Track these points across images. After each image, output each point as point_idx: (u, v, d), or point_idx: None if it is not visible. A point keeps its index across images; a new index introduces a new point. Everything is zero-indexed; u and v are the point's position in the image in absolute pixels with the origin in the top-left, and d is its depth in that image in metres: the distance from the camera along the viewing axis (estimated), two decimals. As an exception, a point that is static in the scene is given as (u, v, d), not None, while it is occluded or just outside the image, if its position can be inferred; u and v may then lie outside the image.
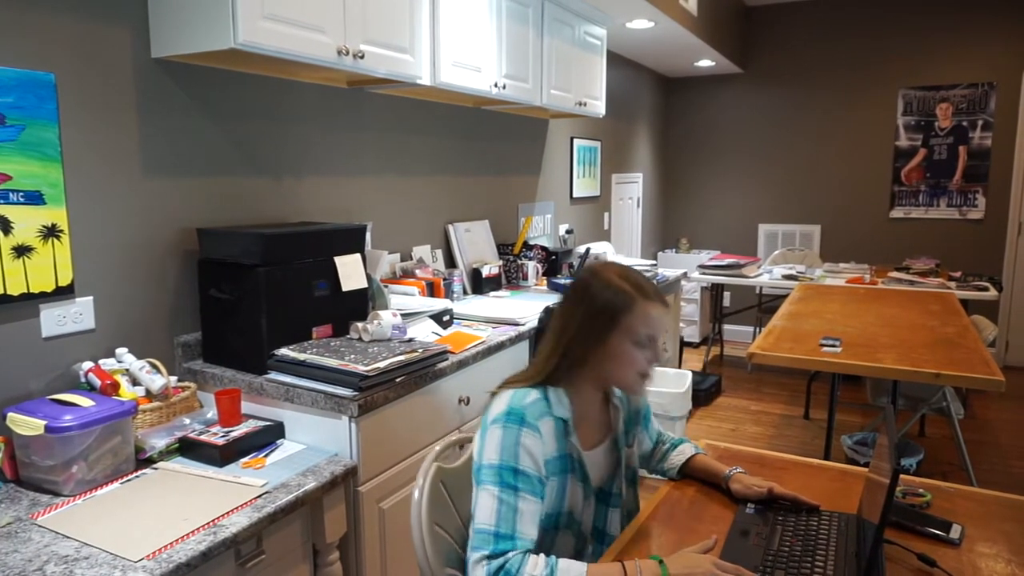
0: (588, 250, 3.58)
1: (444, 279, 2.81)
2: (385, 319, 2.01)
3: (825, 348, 2.47)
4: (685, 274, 4.67)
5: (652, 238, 6.12)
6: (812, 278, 4.43)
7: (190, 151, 2.00)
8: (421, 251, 2.99)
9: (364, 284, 2.10)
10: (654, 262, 4.31)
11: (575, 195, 4.52)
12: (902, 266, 4.54)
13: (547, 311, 2.42)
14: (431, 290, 2.71)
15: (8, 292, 1.58)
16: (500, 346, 2.30)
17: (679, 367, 4.30)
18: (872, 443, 3.33)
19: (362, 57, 2.08)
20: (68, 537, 1.28)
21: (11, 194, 1.57)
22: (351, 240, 2.11)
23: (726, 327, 5.65)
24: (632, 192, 5.55)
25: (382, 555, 1.82)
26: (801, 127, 5.73)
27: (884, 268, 4.69)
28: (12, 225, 1.58)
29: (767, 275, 4.69)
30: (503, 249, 3.49)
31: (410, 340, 2.04)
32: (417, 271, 2.81)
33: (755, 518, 1.33)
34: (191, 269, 1.99)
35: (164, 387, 1.73)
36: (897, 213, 5.45)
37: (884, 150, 5.45)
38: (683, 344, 5.32)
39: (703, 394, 4.48)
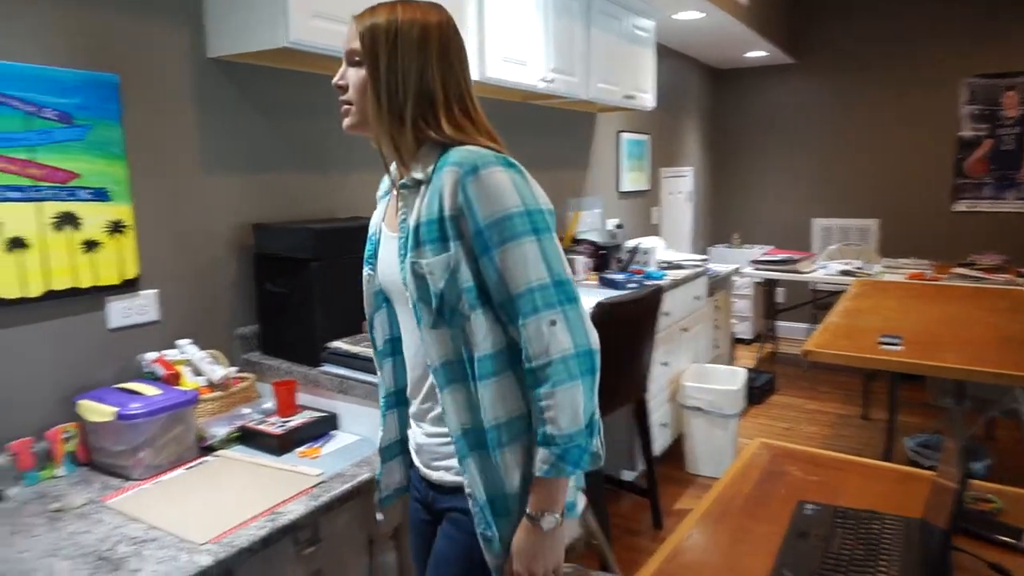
0: (638, 245, 3.55)
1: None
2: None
3: (885, 346, 2.39)
4: (737, 270, 4.59)
5: (703, 233, 6.03)
6: (870, 274, 4.30)
7: (245, 148, 2.05)
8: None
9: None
10: (705, 257, 4.24)
11: (624, 189, 4.48)
12: (966, 261, 4.37)
13: (598, 306, 2.41)
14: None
15: (78, 285, 1.64)
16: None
17: (732, 364, 4.23)
18: (936, 445, 3.21)
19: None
20: (136, 519, 1.33)
21: (80, 191, 1.63)
22: (402, 235, 2.12)
23: (779, 324, 5.53)
24: (682, 186, 5.47)
25: (433, 546, 1.84)
26: (857, 118, 5.56)
27: (946, 264, 4.51)
28: (81, 221, 1.64)
29: (822, 271, 4.57)
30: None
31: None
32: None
33: (814, 519, 1.29)
34: (248, 263, 2.04)
35: (224, 377, 1.78)
36: (960, 207, 5.25)
37: (946, 141, 5.25)
38: (735, 341, 5.23)
39: (757, 392, 4.40)
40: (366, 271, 1.26)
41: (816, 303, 5.20)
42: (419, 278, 1.06)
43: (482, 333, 1.06)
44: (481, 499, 1.09)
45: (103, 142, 1.67)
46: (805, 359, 2.43)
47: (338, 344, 1.85)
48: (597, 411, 1.07)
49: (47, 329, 1.61)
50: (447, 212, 1.03)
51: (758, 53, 5.32)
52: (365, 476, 1.56)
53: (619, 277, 3.15)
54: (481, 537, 1.10)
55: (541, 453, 1.03)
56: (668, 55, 4.97)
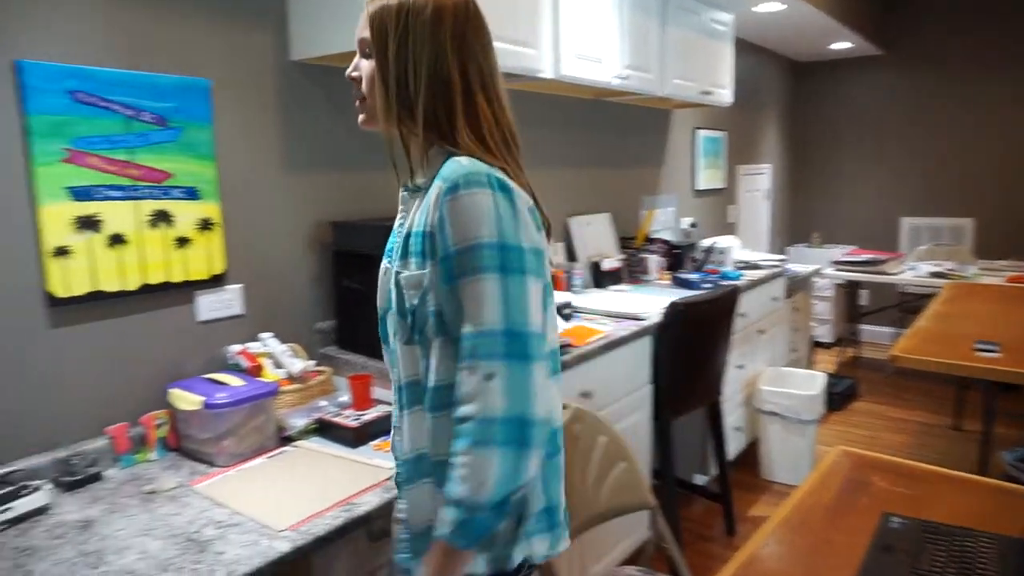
0: (714, 244, 3.47)
1: (565, 272, 2.81)
2: (508, 311, 2.03)
3: (981, 353, 2.26)
4: (817, 271, 4.42)
5: (781, 232, 5.84)
6: (964, 276, 4.06)
7: (325, 147, 2.11)
8: (542, 244, 2.99)
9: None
10: (783, 257, 4.11)
11: (699, 187, 4.39)
12: (1073, 263, 4.07)
13: (671, 307, 2.37)
14: (553, 283, 2.71)
15: (170, 279, 1.73)
16: (622, 341, 2.27)
17: (810, 368, 4.08)
18: (1035, 459, 3.01)
19: (488, 52, 2.11)
20: (221, 504, 1.39)
21: (173, 190, 1.72)
22: (475, 233, 2.14)
23: (862, 328, 5.30)
24: (759, 184, 5.32)
25: (503, 543, 1.85)
26: (950, 112, 5.26)
27: (1051, 266, 4.22)
28: (174, 219, 1.72)
29: (911, 272, 4.35)
30: (624, 243, 3.44)
31: (532, 332, 2.05)
32: (538, 264, 2.82)
33: (900, 533, 1.23)
34: (327, 260, 2.10)
35: (303, 371, 1.84)
36: (1067, 205, 4.90)
37: (1052, 134, 4.90)
38: (814, 344, 5.04)
39: (837, 398, 4.23)
40: (384, 263, 1.11)
41: (903, 306, 4.96)
42: (399, 289, 0.98)
43: (435, 363, 0.96)
44: (414, 529, 1.02)
45: (194, 143, 1.75)
46: (891, 365, 2.32)
47: (412, 340, 1.88)
48: (527, 493, 0.95)
49: (142, 321, 1.70)
50: (427, 228, 0.94)
51: (843, 44, 5.11)
52: (437, 471, 1.58)
53: (693, 277, 3.09)
54: (399, 564, 1.05)
55: (443, 512, 0.90)
56: (746, 49, 4.84)
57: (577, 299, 2.62)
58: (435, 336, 0.96)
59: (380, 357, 1.91)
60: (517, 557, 0.98)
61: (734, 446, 3.26)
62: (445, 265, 0.92)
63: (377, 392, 1.90)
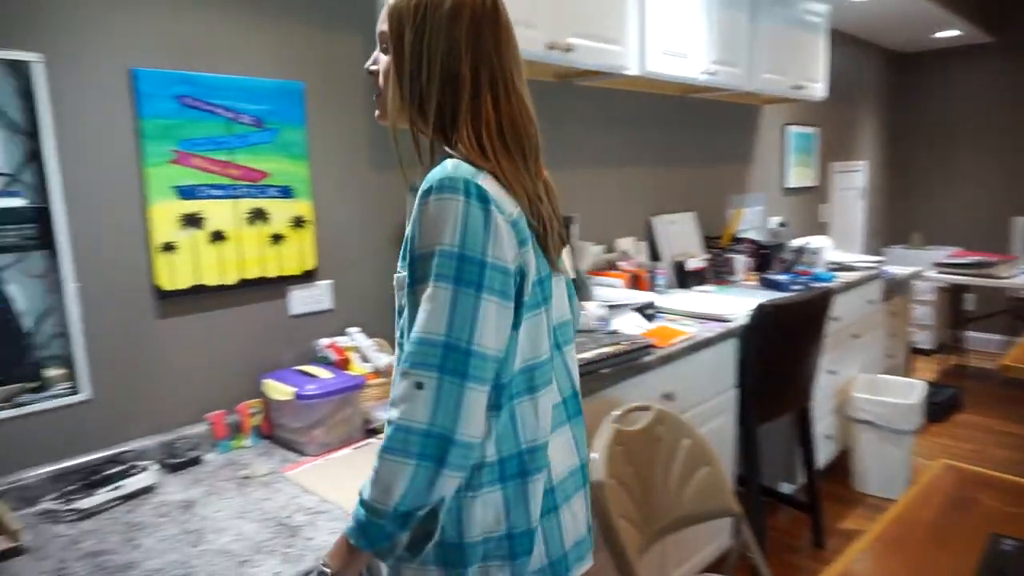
0: (805, 244, 3.34)
1: (648, 272, 2.77)
2: (590, 310, 2.02)
3: (1105, 362, 2.08)
4: (918, 273, 4.18)
5: (878, 232, 5.56)
6: (1084, 280, 3.75)
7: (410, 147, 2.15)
8: (625, 243, 2.97)
9: (571, 275, 2.12)
10: (880, 258, 3.91)
11: (789, 185, 4.23)
12: None
13: (759, 308, 2.29)
14: (634, 283, 2.68)
15: (265, 275, 1.81)
16: (707, 342, 2.22)
17: (908, 376, 3.87)
18: None
19: (570, 50, 2.10)
20: (310, 492, 1.45)
21: (269, 189, 1.79)
22: (558, 231, 2.14)
23: (968, 334, 4.98)
24: (854, 182, 5.08)
25: (582, 543, 1.84)
26: (1073, 103, 4.86)
27: None
28: (269, 216, 1.80)
29: None
30: (709, 242, 3.36)
31: (614, 332, 2.03)
32: (620, 263, 2.80)
33: (1013, 557, 1.15)
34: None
35: (389, 365, 1.88)
36: None
37: None
38: (913, 351, 4.77)
39: (938, 408, 3.99)
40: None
41: (1015, 313, 4.62)
42: (397, 289, 0.98)
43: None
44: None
45: (289, 144, 1.82)
46: (1001, 375, 2.17)
47: (494, 337, 1.89)
48: (432, 510, 0.88)
49: (239, 314, 1.78)
50: (409, 230, 0.93)
51: (949, 33, 4.81)
52: (517, 468, 1.59)
53: (783, 278, 2.98)
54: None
55: (354, 508, 0.91)
56: (842, 40, 4.63)
57: (661, 299, 2.58)
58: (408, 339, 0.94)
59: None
60: (390, 559, 0.93)
61: (824, 455, 3.12)
62: (410, 268, 0.90)
63: (459, 388, 1.92)
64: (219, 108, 1.68)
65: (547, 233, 0.97)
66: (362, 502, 0.88)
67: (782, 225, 3.82)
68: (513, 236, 0.89)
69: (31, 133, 1.42)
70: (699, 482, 1.76)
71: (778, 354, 2.42)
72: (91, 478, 1.47)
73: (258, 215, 1.78)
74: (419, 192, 0.90)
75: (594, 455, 1.57)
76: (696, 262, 3.06)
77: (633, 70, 2.38)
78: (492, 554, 0.94)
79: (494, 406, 0.92)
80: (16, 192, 1.42)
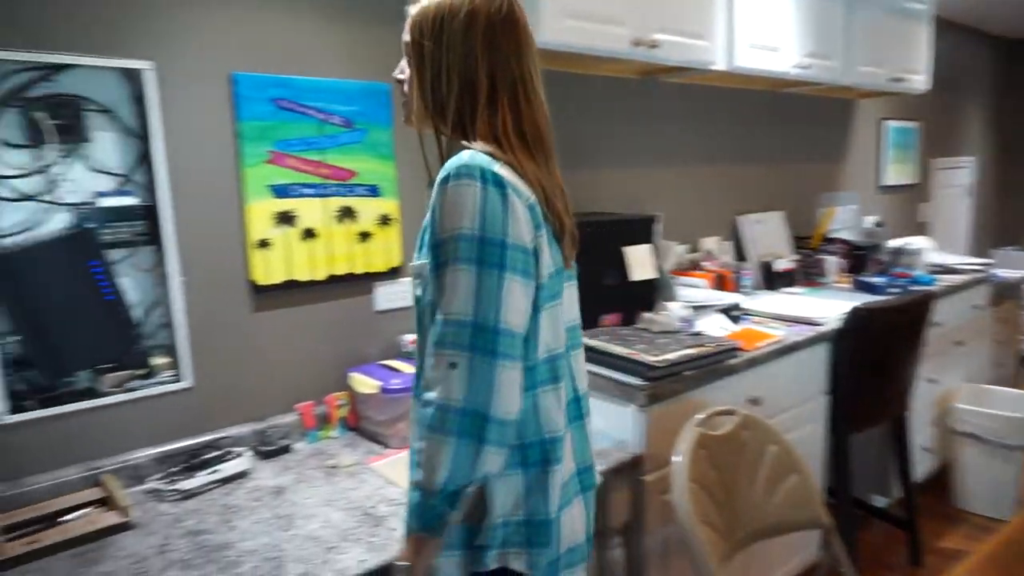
0: (904, 245, 3.17)
1: (733, 272, 2.70)
2: (673, 311, 1.98)
3: None
4: (1030, 276, 3.89)
5: (985, 233, 5.20)
6: None
7: (497, 147, 2.17)
8: (709, 243, 2.90)
9: (653, 274, 2.09)
10: (988, 261, 3.66)
11: (885, 183, 4.02)
12: None
13: (853, 312, 2.19)
14: (719, 283, 2.61)
15: (353, 271, 1.86)
16: (796, 346, 2.13)
17: (1018, 387, 3.60)
18: None
19: (656, 47, 2.07)
20: (394, 483, 1.48)
21: (357, 188, 1.85)
22: (641, 230, 2.12)
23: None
24: (959, 179, 4.78)
25: (664, 546, 1.81)
26: None
27: None
28: (357, 214, 1.85)
29: None
30: (799, 243, 3.23)
31: (698, 334, 1.99)
32: (705, 263, 2.73)
33: None
34: (494, 255, 2.16)
35: (470, 361, 1.90)
36: None
37: None
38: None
39: (1050, 422, 3.70)
40: None
41: None
42: (414, 278, 1.02)
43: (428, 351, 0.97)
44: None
45: (376, 144, 1.87)
46: None
47: (575, 336, 1.89)
48: (480, 485, 0.91)
49: (328, 309, 1.84)
50: (428, 219, 0.96)
51: (1069, 19, 4.45)
52: (598, 468, 1.57)
53: (878, 280, 2.83)
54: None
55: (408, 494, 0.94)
56: (947, 28, 4.36)
57: (747, 301, 2.50)
58: (430, 324, 0.96)
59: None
60: (490, 561, 0.95)
61: (921, 468, 2.95)
62: (433, 253, 0.93)
63: (539, 386, 1.92)
64: (311, 110, 1.74)
65: (563, 231, 1.00)
66: (412, 486, 0.91)
67: (878, 225, 3.64)
68: (529, 219, 0.92)
69: (142, 136, 1.52)
70: (787, 490, 1.69)
71: (873, 360, 2.30)
72: (191, 461, 1.55)
73: (347, 213, 1.83)
74: (437, 181, 0.93)
75: (676, 458, 1.54)
76: (784, 263, 2.95)
77: (720, 65, 2.32)
78: (510, 540, 0.96)
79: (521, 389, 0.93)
80: (129, 191, 1.51)
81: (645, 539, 1.76)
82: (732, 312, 2.29)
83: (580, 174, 2.41)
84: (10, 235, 1.39)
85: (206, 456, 1.57)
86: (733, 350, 1.92)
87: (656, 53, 2.08)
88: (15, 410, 1.41)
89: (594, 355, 1.82)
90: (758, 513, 1.67)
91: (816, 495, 1.68)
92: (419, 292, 0.99)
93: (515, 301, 0.89)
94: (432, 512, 0.89)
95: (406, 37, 1.04)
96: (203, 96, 1.60)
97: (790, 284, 2.94)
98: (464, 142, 0.98)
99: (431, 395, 0.88)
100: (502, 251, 0.88)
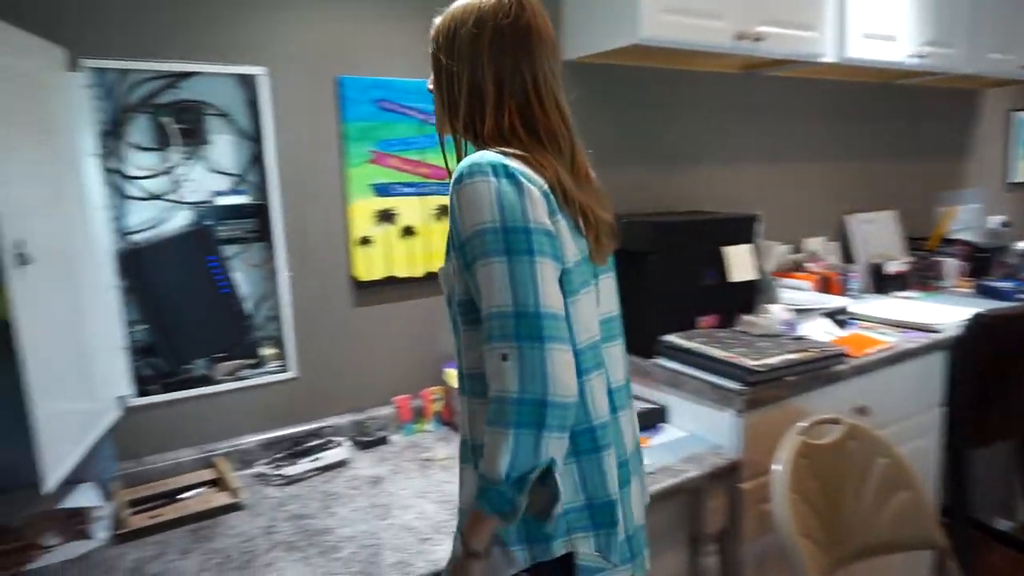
0: (1032, 247, 2.92)
1: (840, 275, 2.57)
2: (775, 313, 1.91)
3: None
4: None
5: None
6: None
7: (591, 144, 2.12)
8: (814, 243, 2.77)
9: (753, 276, 2.02)
10: None
11: (1015, 180, 3.72)
12: None
13: (975, 318, 2.04)
14: (824, 286, 2.49)
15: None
16: (909, 354, 2.01)
17: None
18: None
19: (760, 40, 2.00)
20: (486, 479, 1.50)
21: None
22: (741, 230, 2.05)
23: None
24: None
25: (761, 557, 1.74)
26: None
27: None
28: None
29: None
30: (913, 244, 3.04)
31: (801, 338, 1.90)
32: (809, 264, 2.62)
33: None
34: (588, 254, 2.15)
35: (562, 360, 1.90)
36: None
37: None
38: None
39: None
40: None
41: None
42: (443, 282, 1.04)
43: (464, 350, 1.00)
44: (462, 506, 1.04)
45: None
46: None
47: (672, 338, 1.85)
48: (548, 473, 0.90)
49: (424, 305, 1.89)
50: (450, 221, 0.98)
51: None
52: (693, 473, 1.54)
53: (1005, 285, 2.62)
54: (455, 535, 1.02)
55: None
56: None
57: (854, 305, 2.37)
58: (462, 325, 0.99)
59: (638, 352, 1.92)
60: (558, 548, 0.95)
61: (1052, 490, 2.71)
62: (461, 252, 0.94)
63: (633, 388, 1.89)
64: (411, 110, 1.79)
65: (589, 224, 0.99)
66: (480, 475, 0.91)
67: (1005, 225, 3.37)
68: (544, 204, 0.93)
69: (255, 138, 1.60)
70: (897, 507, 1.60)
71: (997, 371, 2.13)
72: (295, 448, 1.63)
73: (444, 211, 1.87)
74: (451, 183, 0.95)
75: (776, 467, 1.48)
76: (897, 265, 2.78)
77: (830, 57, 2.21)
78: (574, 525, 0.96)
79: None
80: (242, 191, 1.60)
81: (741, 548, 1.70)
82: (838, 316, 2.19)
83: (677, 172, 2.36)
84: (139, 232, 1.50)
85: (308, 444, 1.64)
86: (839, 356, 1.82)
87: (760, 46, 2.01)
88: (140, 394, 1.52)
89: (690, 357, 1.77)
90: (864, 529, 1.58)
91: (930, 513, 1.58)
92: (448, 294, 1.02)
93: (548, 283, 0.90)
94: (500, 497, 0.89)
95: (429, 49, 1.07)
96: (311, 99, 1.67)
97: (902, 288, 2.76)
98: (475, 144, 1.02)
99: (491, 389, 0.90)
100: (527, 236, 0.89)
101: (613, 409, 1.04)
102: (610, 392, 1.04)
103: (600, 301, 1.04)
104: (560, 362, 0.87)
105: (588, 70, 2.11)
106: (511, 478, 0.88)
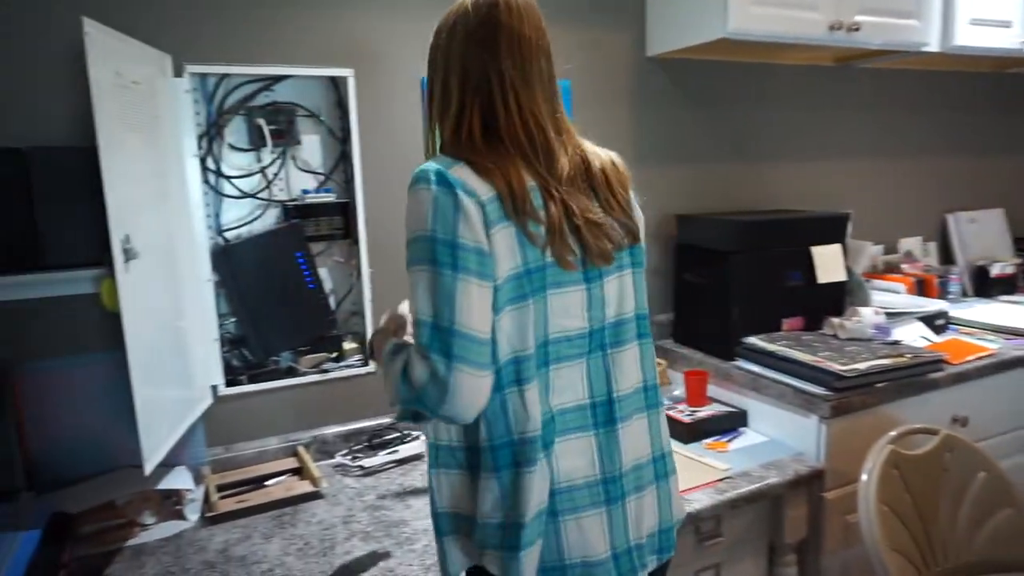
0: None
1: (938, 277, 2.43)
2: (866, 316, 1.82)
3: None
4: None
5: None
6: None
7: (674, 140, 2.12)
8: (909, 243, 2.62)
9: (842, 277, 1.94)
10: None
11: None
12: None
13: None
14: (920, 288, 2.36)
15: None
16: (1015, 362, 1.88)
17: None
18: None
19: (857, 29, 1.90)
20: (560, 478, 1.50)
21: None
22: (830, 229, 1.97)
23: None
24: None
25: (844, 570, 1.67)
26: None
27: None
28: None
29: None
30: (1022, 245, 2.83)
31: (895, 343, 1.81)
32: (904, 266, 2.49)
33: None
34: (669, 252, 2.11)
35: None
36: None
37: None
38: None
39: None
40: None
41: None
42: None
43: None
44: (438, 509, 1.02)
45: (553, 141, 1.89)
46: None
47: (754, 340, 1.79)
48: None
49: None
50: None
51: None
52: (773, 480, 1.49)
53: None
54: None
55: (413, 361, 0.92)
56: None
57: (954, 309, 2.24)
58: None
59: (718, 354, 1.88)
60: (475, 558, 0.97)
61: None
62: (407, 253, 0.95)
63: (712, 390, 1.85)
64: (492, 109, 1.80)
65: (554, 229, 0.94)
66: (401, 379, 0.93)
67: None
68: (481, 218, 0.90)
69: (342, 138, 1.65)
70: (999, 526, 1.50)
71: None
72: (373, 441, 1.67)
73: (522, 209, 1.87)
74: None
75: (864, 476, 1.41)
76: (1003, 267, 2.60)
77: (933, 46, 2.09)
78: (487, 542, 0.95)
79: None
80: (329, 189, 1.65)
81: (822, 559, 1.64)
82: (936, 321, 2.07)
83: (758, 169, 2.29)
84: (232, 228, 1.58)
85: (386, 437, 1.68)
86: (936, 362, 1.73)
87: (856, 37, 1.92)
88: (230, 384, 1.60)
89: (772, 360, 1.72)
90: (961, 548, 1.50)
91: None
92: None
93: (471, 302, 0.88)
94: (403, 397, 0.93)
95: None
96: (396, 100, 1.70)
97: (1010, 291, 2.59)
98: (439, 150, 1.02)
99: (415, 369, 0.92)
100: (453, 251, 0.89)
101: (608, 422, 0.99)
102: (610, 403, 0.99)
103: (606, 303, 0.99)
104: (462, 384, 0.87)
105: (668, 66, 2.07)
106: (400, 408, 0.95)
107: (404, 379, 0.91)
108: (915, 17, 2.02)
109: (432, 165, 0.92)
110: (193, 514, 1.40)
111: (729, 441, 1.68)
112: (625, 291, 1.03)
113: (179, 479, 1.42)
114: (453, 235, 0.89)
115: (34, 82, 1.37)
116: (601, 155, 1.07)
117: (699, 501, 1.41)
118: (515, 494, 0.93)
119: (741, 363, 1.80)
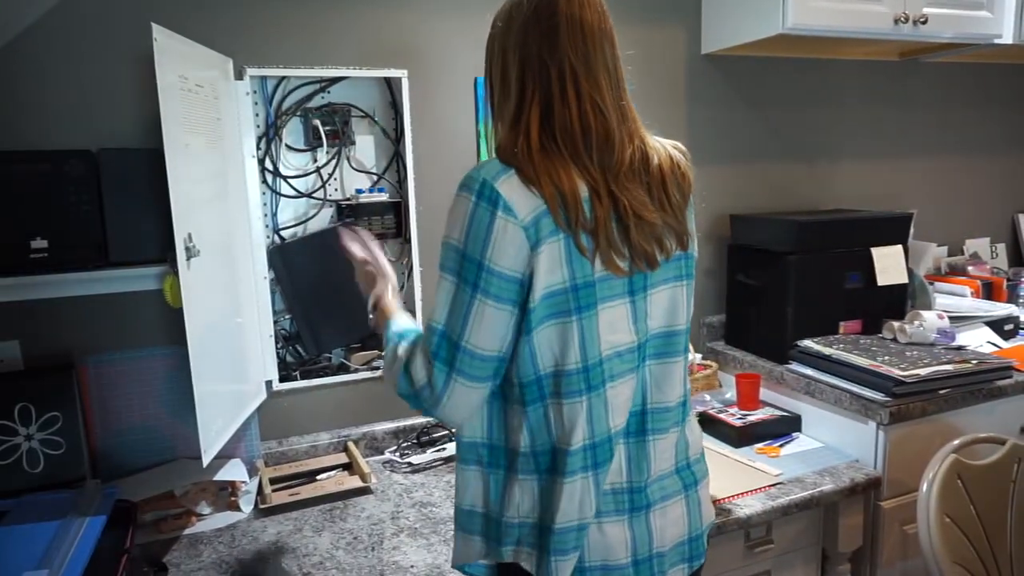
0: None
1: (1008, 280, 2.32)
2: (929, 320, 1.76)
3: None
4: None
5: None
6: None
7: (728, 139, 2.08)
8: (976, 245, 2.52)
9: (904, 279, 1.87)
10: None
11: None
12: None
13: None
14: (988, 292, 2.27)
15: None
16: (1091, 371, 1.78)
17: None
18: None
19: (924, 22, 1.84)
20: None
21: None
22: (891, 230, 1.90)
23: None
24: None
25: (902, 584, 1.62)
26: None
27: None
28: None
29: None
30: (1101, 246, 2.69)
31: (960, 348, 1.74)
32: (970, 268, 2.39)
33: None
34: (722, 253, 2.07)
35: (690, 363, 1.85)
36: None
37: None
38: None
39: None
40: None
41: None
42: None
43: None
44: (460, 505, 1.04)
45: (604, 140, 1.88)
46: None
47: (809, 343, 1.75)
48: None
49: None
50: None
51: None
52: (828, 487, 1.46)
53: None
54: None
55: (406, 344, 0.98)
56: None
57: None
58: None
59: (771, 357, 1.84)
60: (506, 555, 0.97)
61: None
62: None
63: (765, 394, 1.81)
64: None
65: (599, 229, 0.90)
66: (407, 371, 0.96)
67: None
68: (524, 242, 0.88)
69: (395, 138, 1.67)
70: (1071, 542, 1.43)
71: None
72: (421, 438, 1.69)
73: (572, 209, 1.86)
74: None
75: (925, 486, 1.36)
76: (1079, 270, 2.47)
77: (1007, 38, 1.99)
78: (524, 540, 0.96)
79: (520, 402, 0.95)
80: (381, 188, 1.68)
81: (878, 571, 1.59)
82: (1005, 326, 1.98)
83: (817, 168, 2.22)
84: (288, 227, 1.62)
85: (434, 435, 1.70)
86: (1004, 369, 1.65)
87: (924, 30, 1.85)
88: (283, 379, 1.64)
89: (828, 364, 1.67)
90: (1030, 563, 1.43)
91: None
92: None
93: (485, 324, 0.89)
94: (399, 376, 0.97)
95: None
96: (449, 100, 1.72)
97: (1087, 295, 2.46)
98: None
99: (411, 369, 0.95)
100: (478, 272, 0.89)
101: (639, 432, 0.98)
102: (643, 413, 0.98)
103: (650, 315, 0.97)
104: (457, 394, 0.91)
105: (728, 63, 2.03)
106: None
107: (405, 374, 0.95)
108: (987, 8, 1.94)
109: (481, 173, 0.90)
110: (247, 505, 1.44)
111: (781, 446, 1.64)
112: (677, 303, 1.01)
113: (234, 471, 1.46)
114: (480, 256, 0.88)
115: (105, 86, 1.42)
116: (660, 150, 1.02)
117: (749, 506, 1.38)
118: (553, 500, 0.93)
119: (795, 366, 1.76)
